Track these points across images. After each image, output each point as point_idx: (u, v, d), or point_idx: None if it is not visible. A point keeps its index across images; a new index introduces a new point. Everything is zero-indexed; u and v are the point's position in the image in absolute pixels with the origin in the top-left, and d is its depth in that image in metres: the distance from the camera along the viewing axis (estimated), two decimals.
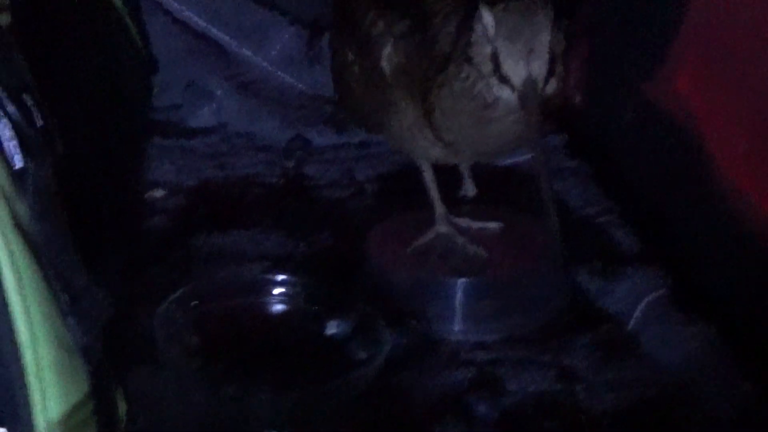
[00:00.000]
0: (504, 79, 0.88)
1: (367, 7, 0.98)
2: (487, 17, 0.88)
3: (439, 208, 1.03)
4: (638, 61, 1.15)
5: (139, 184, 1.12)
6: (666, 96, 1.10)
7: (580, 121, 1.23)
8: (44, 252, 0.69)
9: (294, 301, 0.94)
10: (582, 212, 1.13)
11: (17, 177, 0.68)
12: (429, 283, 1.00)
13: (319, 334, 0.92)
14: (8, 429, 0.67)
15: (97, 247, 0.75)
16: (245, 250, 1.06)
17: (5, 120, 0.68)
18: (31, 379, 0.67)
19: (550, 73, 0.88)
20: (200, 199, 1.15)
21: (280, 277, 0.94)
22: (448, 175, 1.06)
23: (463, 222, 1.04)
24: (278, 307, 0.94)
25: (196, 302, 0.92)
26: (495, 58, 0.88)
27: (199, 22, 1.32)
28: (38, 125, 0.70)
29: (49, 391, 0.68)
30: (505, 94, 0.89)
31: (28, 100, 0.70)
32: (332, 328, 0.92)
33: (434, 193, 1.03)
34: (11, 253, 0.67)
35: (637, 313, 0.99)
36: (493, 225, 1.04)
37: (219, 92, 1.28)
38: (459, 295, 0.99)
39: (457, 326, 0.99)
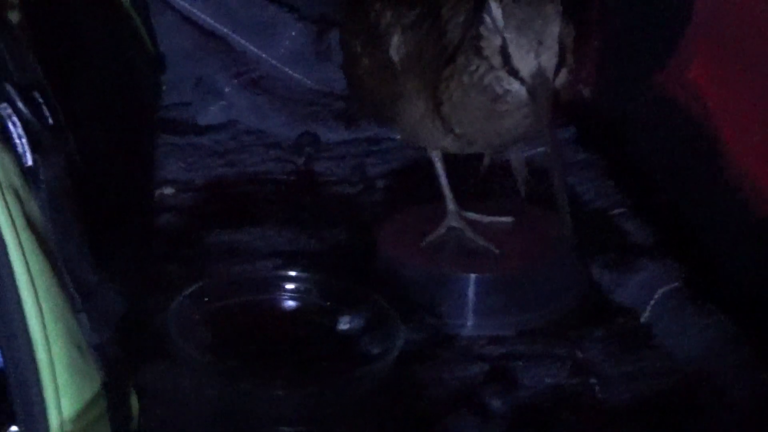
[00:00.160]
0: (513, 72, 0.88)
1: None
2: (495, 8, 0.87)
3: (451, 203, 1.03)
4: (650, 51, 1.15)
5: (150, 182, 1.12)
6: (679, 86, 1.10)
7: (591, 112, 1.22)
8: (56, 250, 0.69)
9: (306, 296, 0.94)
10: (594, 205, 1.12)
11: (29, 175, 0.68)
12: (441, 277, 0.99)
13: (331, 330, 0.92)
14: (22, 428, 0.67)
15: (109, 245, 0.75)
16: (257, 247, 1.06)
17: (15, 118, 0.68)
18: (45, 378, 0.67)
19: (560, 64, 0.88)
20: (211, 196, 1.15)
21: (293, 273, 0.94)
22: (459, 169, 1.05)
23: (475, 216, 1.04)
24: (291, 303, 0.94)
25: (209, 299, 0.92)
26: (504, 50, 0.88)
27: (207, 20, 1.32)
28: (49, 123, 0.70)
29: (62, 389, 0.68)
30: (515, 86, 0.88)
31: (39, 98, 0.70)
32: (345, 324, 0.92)
33: (446, 187, 1.03)
34: (23, 252, 0.67)
35: (651, 305, 0.99)
36: (504, 219, 1.04)
37: (228, 89, 1.28)
38: (471, 290, 0.99)
39: (470, 321, 0.99)
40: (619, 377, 0.92)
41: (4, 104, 0.68)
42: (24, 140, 0.68)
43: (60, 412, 0.68)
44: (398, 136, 1.17)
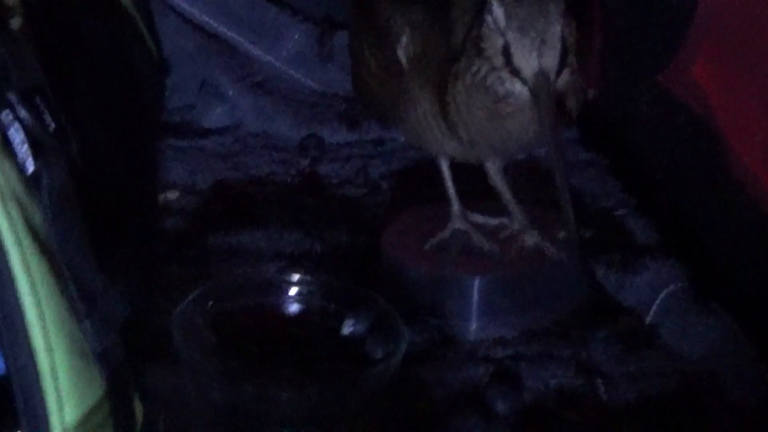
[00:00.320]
0: (515, 72, 0.87)
1: None
2: (497, 8, 0.87)
3: (455, 204, 1.02)
4: (653, 51, 1.15)
5: (153, 185, 1.12)
6: (682, 85, 1.09)
7: (594, 112, 1.22)
8: (59, 256, 0.69)
9: (311, 299, 0.94)
10: (598, 205, 1.12)
11: (31, 181, 0.68)
12: (446, 279, 0.99)
13: (336, 332, 0.91)
14: None
15: (112, 248, 0.75)
16: (261, 249, 1.06)
17: (17, 124, 0.68)
18: (47, 384, 0.67)
19: (563, 65, 0.87)
20: (215, 199, 1.15)
21: (297, 276, 0.94)
22: (464, 171, 1.05)
23: (479, 218, 1.03)
24: (295, 306, 0.94)
25: (213, 302, 0.92)
26: (506, 50, 0.87)
27: (211, 22, 1.32)
28: (51, 128, 0.70)
29: (65, 395, 0.68)
30: (517, 87, 0.88)
31: (41, 103, 0.70)
32: (349, 326, 0.92)
33: (451, 189, 1.02)
34: (25, 258, 0.67)
35: (656, 305, 0.98)
36: (508, 220, 1.04)
37: (231, 92, 1.28)
38: (476, 292, 0.98)
39: (474, 322, 0.98)
40: (624, 378, 0.92)
41: (6, 111, 0.68)
42: (26, 147, 0.68)
43: (63, 418, 0.68)
44: (402, 138, 1.17)
